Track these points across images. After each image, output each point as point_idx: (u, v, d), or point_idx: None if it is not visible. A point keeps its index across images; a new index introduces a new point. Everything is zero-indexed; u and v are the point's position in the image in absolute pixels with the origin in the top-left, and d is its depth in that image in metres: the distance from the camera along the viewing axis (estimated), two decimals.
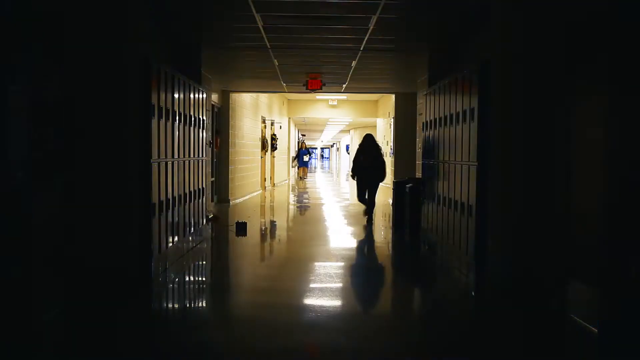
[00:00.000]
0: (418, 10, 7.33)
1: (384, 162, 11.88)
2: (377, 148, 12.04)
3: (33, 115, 4.73)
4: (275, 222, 12.90)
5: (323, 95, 21.43)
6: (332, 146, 77.06)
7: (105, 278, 6.11)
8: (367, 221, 11.74)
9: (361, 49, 9.46)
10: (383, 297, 6.59)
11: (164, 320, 5.57)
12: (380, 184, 12.24)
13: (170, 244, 7.41)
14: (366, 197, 11.91)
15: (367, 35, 8.44)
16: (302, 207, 16.09)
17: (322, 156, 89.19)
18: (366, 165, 11.80)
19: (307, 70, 12.11)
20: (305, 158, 31.01)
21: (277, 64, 11.03)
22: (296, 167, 31.20)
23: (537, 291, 5.80)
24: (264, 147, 20.96)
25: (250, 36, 8.65)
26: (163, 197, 7.05)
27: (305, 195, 20.08)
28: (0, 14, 4.33)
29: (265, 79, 13.42)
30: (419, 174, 10.39)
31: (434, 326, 5.36)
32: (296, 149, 32.63)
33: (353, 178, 12.09)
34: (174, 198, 7.51)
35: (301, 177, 30.55)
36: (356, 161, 11.97)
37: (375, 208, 12.08)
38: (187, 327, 5.17)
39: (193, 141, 8.57)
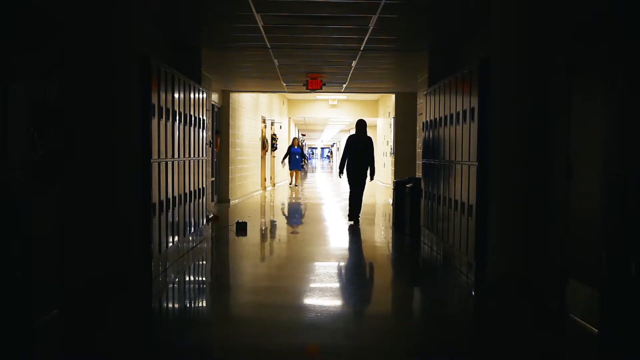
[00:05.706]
0: (418, 10, 7.33)
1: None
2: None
3: (33, 115, 4.73)
4: (275, 222, 12.90)
5: (323, 95, 21.45)
6: (332, 146, 76.96)
7: (105, 278, 6.12)
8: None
9: (361, 49, 9.46)
10: (383, 297, 6.59)
11: (164, 320, 5.58)
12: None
13: (171, 244, 7.41)
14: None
15: (367, 35, 8.44)
16: (302, 207, 16.09)
17: (327, 156, 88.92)
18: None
19: (307, 70, 12.11)
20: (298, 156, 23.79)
21: (277, 64, 11.03)
22: (285, 167, 24.46)
23: (537, 291, 5.80)
24: (264, 147, 20.96)
25: (250, 36, 8.65)
26: (163, 197, 7.05)
27: (305, 196, 20.07)
28: (1, 13, 4.33)
29: (265, 79, 13.42)
30: (419, 174, 10.39)
31: (434, 326, 5.36)
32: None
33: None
34: (174, 198, 7.51)
35: (290, 184, 24.19)
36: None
37: (363, 209, 11.93)
38: (187, 327, 5.17)
39: (193, 141, 8.57)
